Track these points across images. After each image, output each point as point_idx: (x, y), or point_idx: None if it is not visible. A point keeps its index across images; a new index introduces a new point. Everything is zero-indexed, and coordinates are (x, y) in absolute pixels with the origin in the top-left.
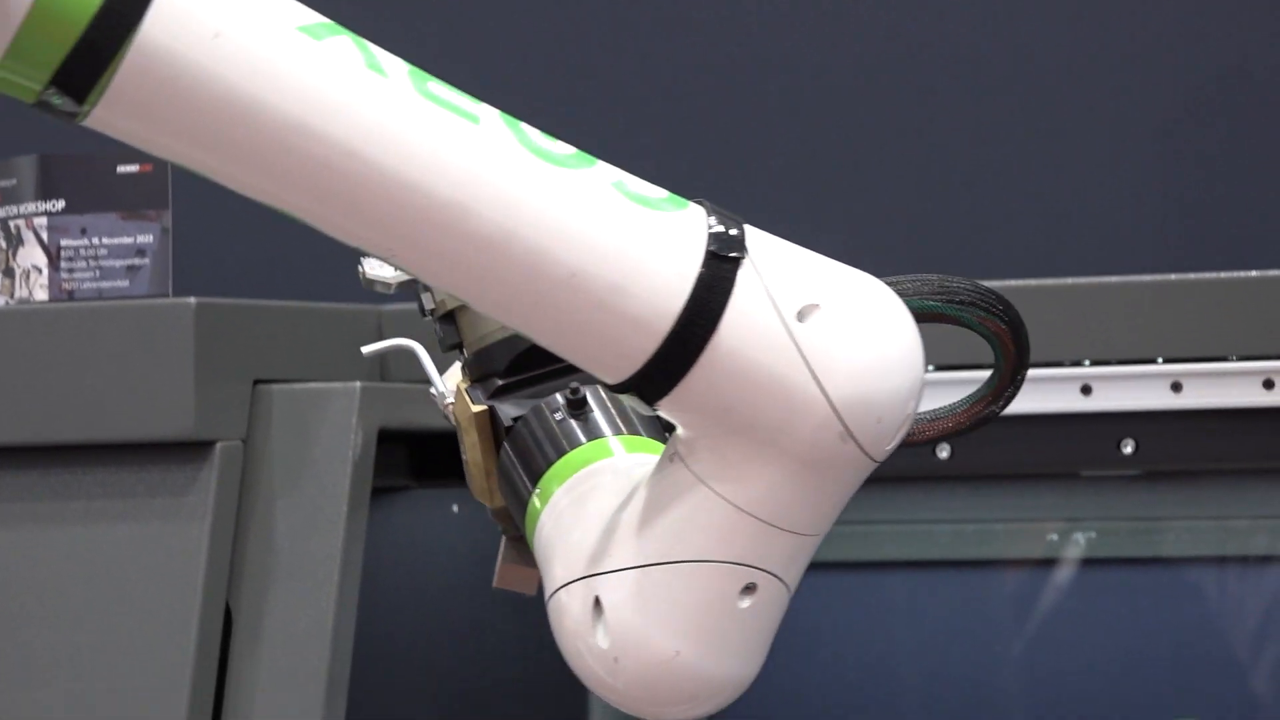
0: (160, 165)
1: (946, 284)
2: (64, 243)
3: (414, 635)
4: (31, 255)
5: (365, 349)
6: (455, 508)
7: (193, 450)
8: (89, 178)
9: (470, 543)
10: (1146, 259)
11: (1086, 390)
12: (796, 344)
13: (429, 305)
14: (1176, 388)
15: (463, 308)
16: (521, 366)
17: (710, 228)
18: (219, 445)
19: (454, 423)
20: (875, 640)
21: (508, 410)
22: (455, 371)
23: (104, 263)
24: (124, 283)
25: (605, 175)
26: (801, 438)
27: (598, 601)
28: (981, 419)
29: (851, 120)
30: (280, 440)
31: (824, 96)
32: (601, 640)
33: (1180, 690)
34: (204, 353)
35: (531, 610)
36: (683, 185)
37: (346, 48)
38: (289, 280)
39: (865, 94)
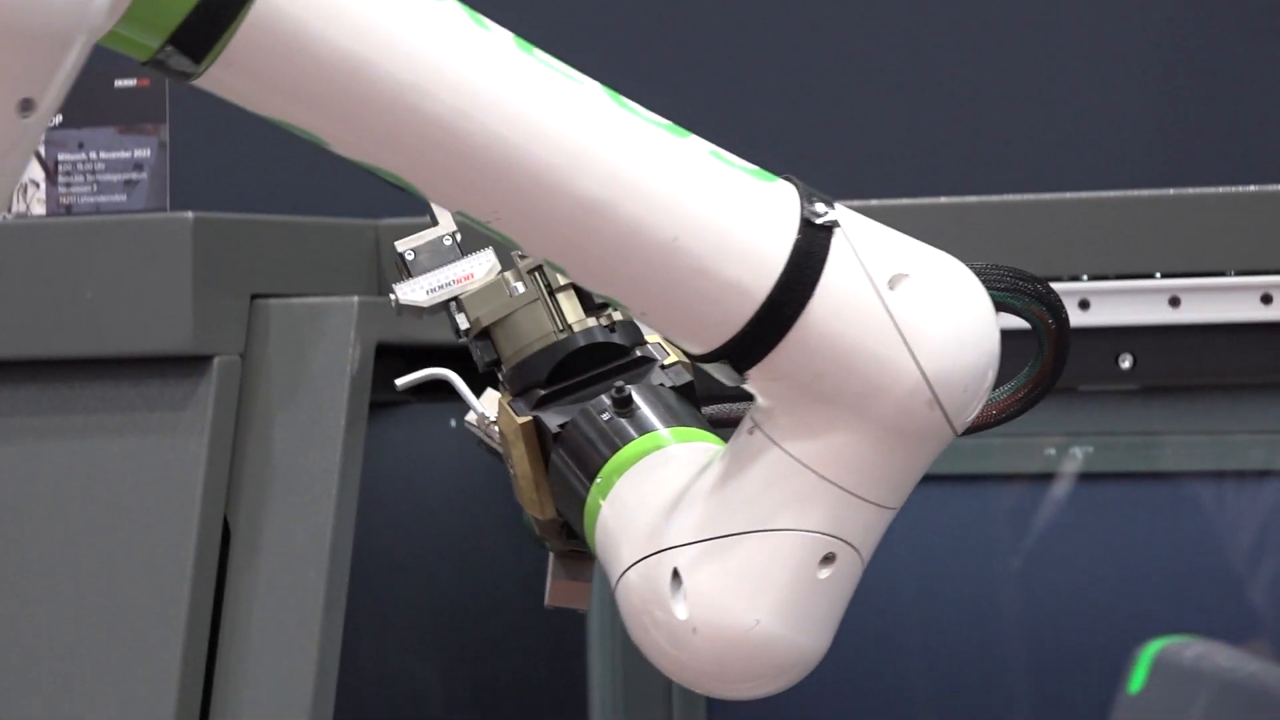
0: (157, 80)
1: (986, 270)
2: (61, 157)
3: (411, 549)
4: (29, 170)
5: (400, 381)
6: (453, 422)
7: (191, 365)
8: (86, 92)
9: (467, 457)
10: (1145, 173)
11: (1085, 305)
12: (889, 311)
13: (464, 325)
14: (1175, 302)
15: (498, 324)
16: (563, 375)
17: (802, 199)
18: (217, 360)
19: (495, 443)
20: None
21: (554, 418)
22: (490, 397)
23: (101, 177)
24: (121, 197)
25: (701, 144)
26: (891, 404)
27: (675, 574)
28: (1029, 402)
29: (847, 32)
30: (278, 355)
31: (819, 7)
32: (679, 611)
33: (1177, 604)
34: (202, 267)
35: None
36: (679, 100)
37: (454, 11)
38: (287, 195)
39: (861, 5)
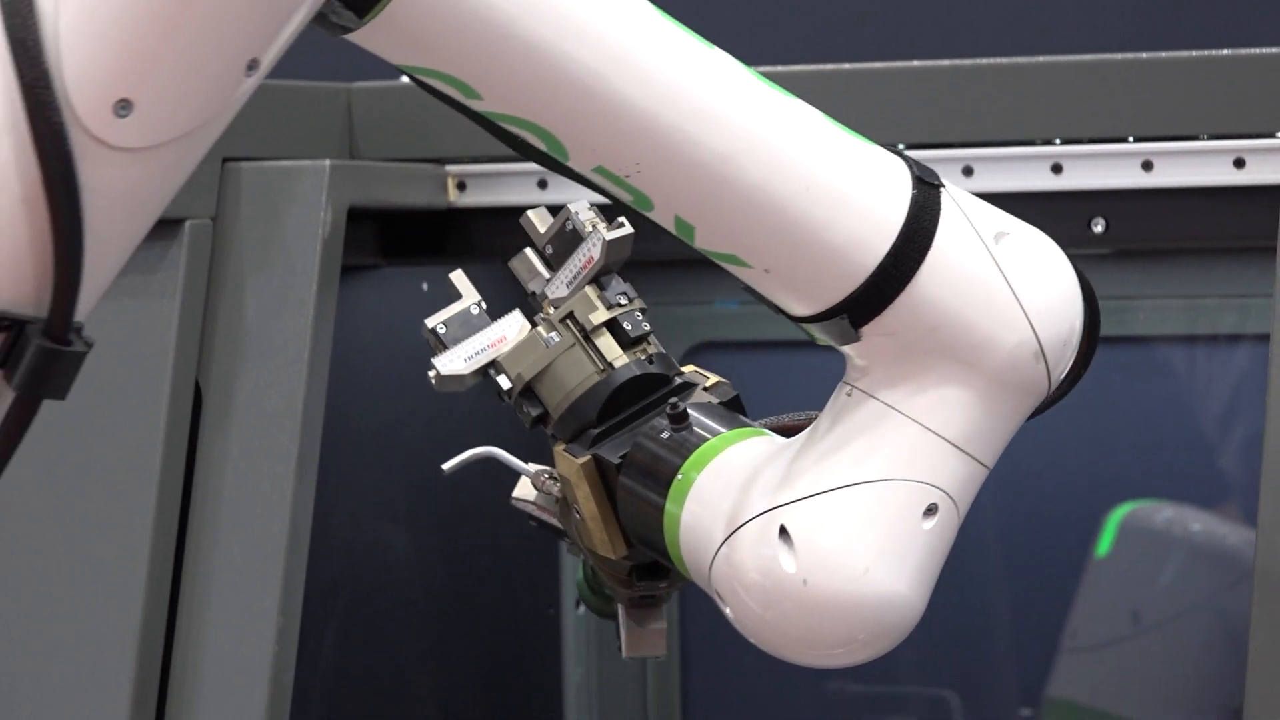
0: None
1: None
2: None
3: (384, 413)
4: None
5: (446, 465)
6: (425, 286)
7: (161, 228)
8: None
9: None
10: (1118, 36)
11: (1057, 169)
12: (998, 265)
13: (506, 385)
14: (1147, 166)
15: (540, 376)
16: (611, 413)
17: (908, 162)
18: (188, 223)
19: (548, 514)
20: None
21: (612, 451)
22: (526, 482)
23: None
24: None
25: (814, 110)
26: (1002, 356)
27: (783, 531)
28: (1065, 391)
29: None
30: (249, 218)
31: None
32: (788, 565)
33: (1149, 468)
34: None
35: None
36: None
37: None
38: None
39: None
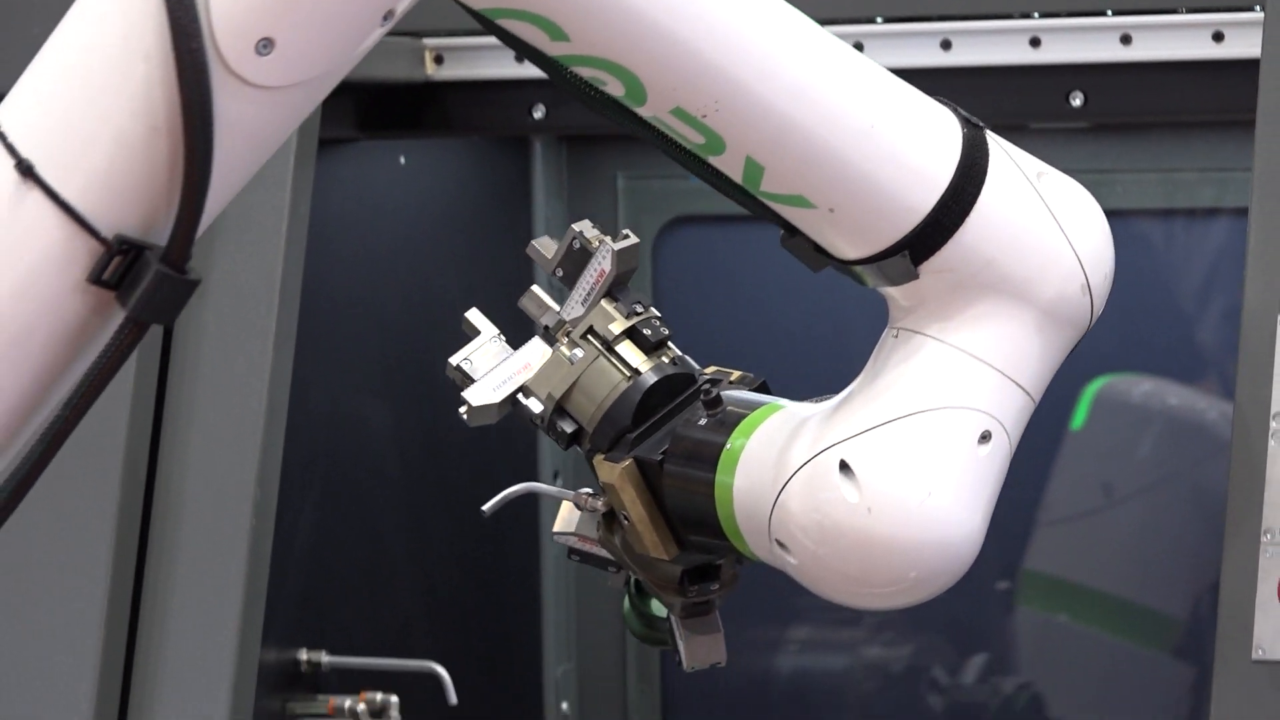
0: None
1: None
2: None
3: (361, 287)
4: None
5: (486, 507)
6: (402, 159)
7: None
8: None
9: (417, 194)
10: None
11: (1035, 43)
12: (1043, 199)
13: (537, 409)
14: (1126, 40)
15: (569, 393)
16: (644, 416)
17: (949, 103)
18: None
19: (591, 543)
20: (829, 301)
21: (652, 450)
22: (565, 511)
23: None
24: None
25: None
26: (1052, 288)
27: (843, 465)
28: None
29: None
30: None
31: None
32: (851, 496)
33: (1125, 342)
34: None
35: (480, 262)
36: None
37: None
38: None
39: None
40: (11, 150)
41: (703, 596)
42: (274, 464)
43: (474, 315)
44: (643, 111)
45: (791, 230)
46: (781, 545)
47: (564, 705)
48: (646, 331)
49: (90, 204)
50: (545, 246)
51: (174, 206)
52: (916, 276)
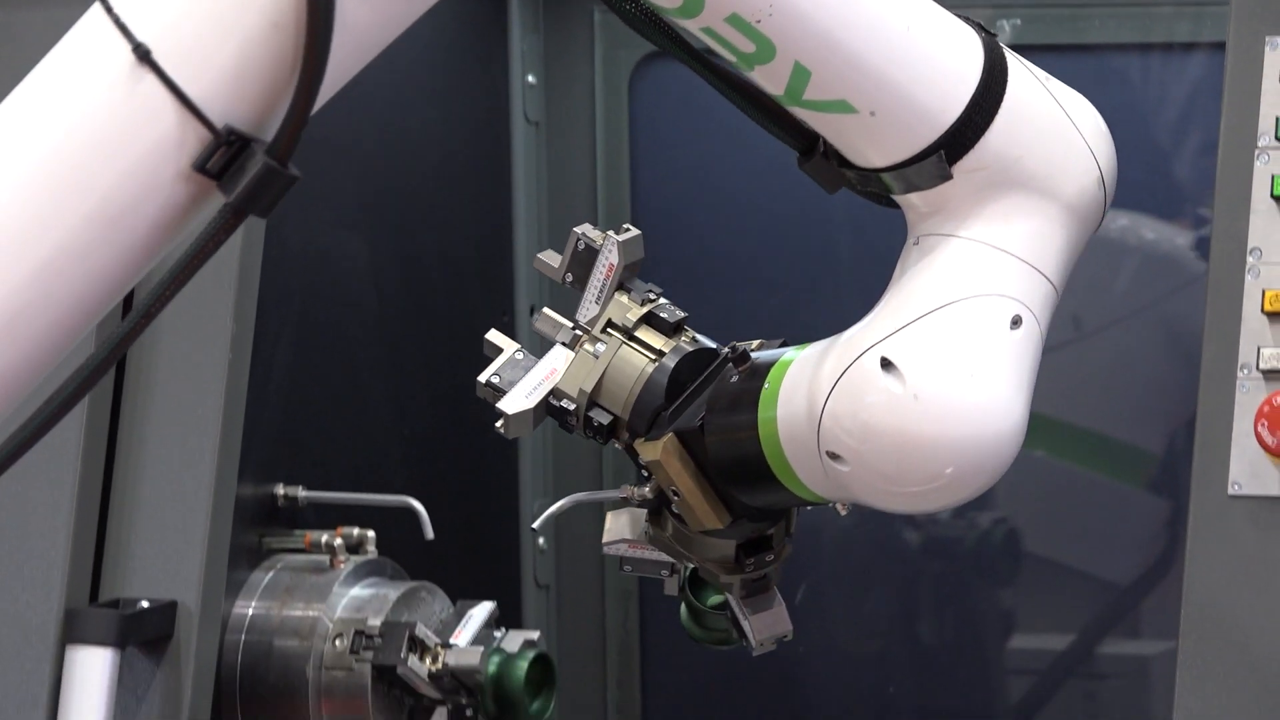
0: None
1: None
2: None
3: (338, 121)
4: None
5: (535, 524)
6: None
7: None
8: None
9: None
10: None
11: None
12: (1056, 100)
13: (571, 406)
14: None
15: (600, 385)
16: (677, 392)
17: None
18: None
19: (641, 546)
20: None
21: (688, 419)
22: (610, 522)
23: None
24: None
25: None
26: (1073, 182)
27: (885, 362)
28: None
29: None
30: None
31: None
32: (895, 387)
33: None
34: None
35: (456, 97)
36: None
37: None
38: None
39: None
40: (128, 35)
41: (759, 570)
42: (250, 300)
43: (494, 335)
44: (695, 22)
45: (808, 152)
46: (833, 456)
47: (540, 541)
48: (664, 315)
49: (204, 94)
50: (550, 258)
51: (283, 103)
52: (950, 177)
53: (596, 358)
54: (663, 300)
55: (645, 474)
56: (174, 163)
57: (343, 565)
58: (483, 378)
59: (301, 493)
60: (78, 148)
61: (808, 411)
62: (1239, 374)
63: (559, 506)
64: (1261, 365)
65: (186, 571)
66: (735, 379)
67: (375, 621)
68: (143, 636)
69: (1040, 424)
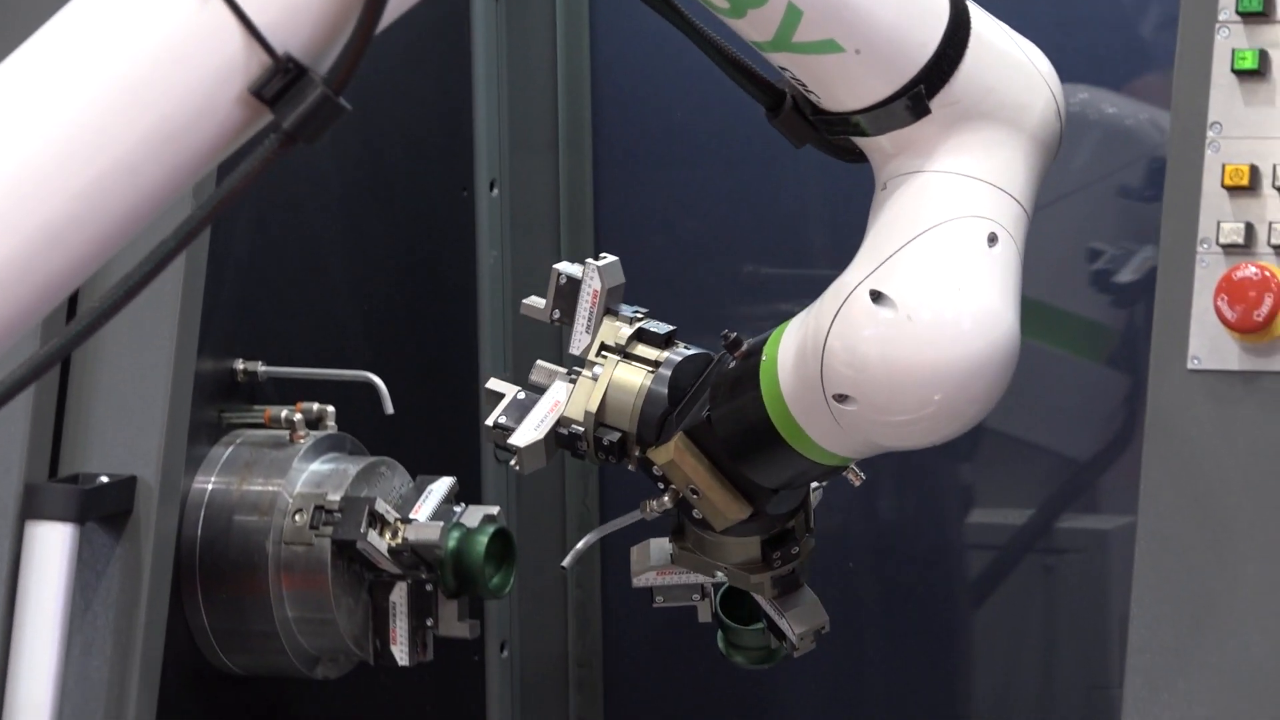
0: None
1: None
2: None
3: None
4: None
5: (565, 562)
6: None
7: None
8: None
9: None
10: None
11: None
12: (1010, 37)
13: (579, 430)
14: None
15: (604, 405)
16: (678, 397)
17: None
18: None
19: (663, 556)
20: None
21: (694, 416)
22: (636, 555)
23: None
24: None
25: None
26: (1036, 112)
27: (874, 294)
28: None
29: None
30: None
31: None
32: (888, 314)
33: (1063, 49)
34: None
35: None
36: None
37: None
38: None
39: None
40: None
41: (786, 564)
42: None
43: (494, 384)
44: None
45: (775, 108)
46: (840, 399)
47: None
48: (653, 329)
49: (268, 21)
50: (534, 301)
51: (342, 34)
52: (928, 112)
53: (595, 380)
54: (648, 318)
55: (660, 486)
56: (233, 86)
57: (302, 440)
58: (489, 421)
59: (261, 368)
60: (142, 67)
61: (808, 362)
62: (1199, 249)
63: (585, 543)
64: (1221, 240)
65: (146, 446)
66: (732, 364)
67: (335, 496)
68: (102, 511)
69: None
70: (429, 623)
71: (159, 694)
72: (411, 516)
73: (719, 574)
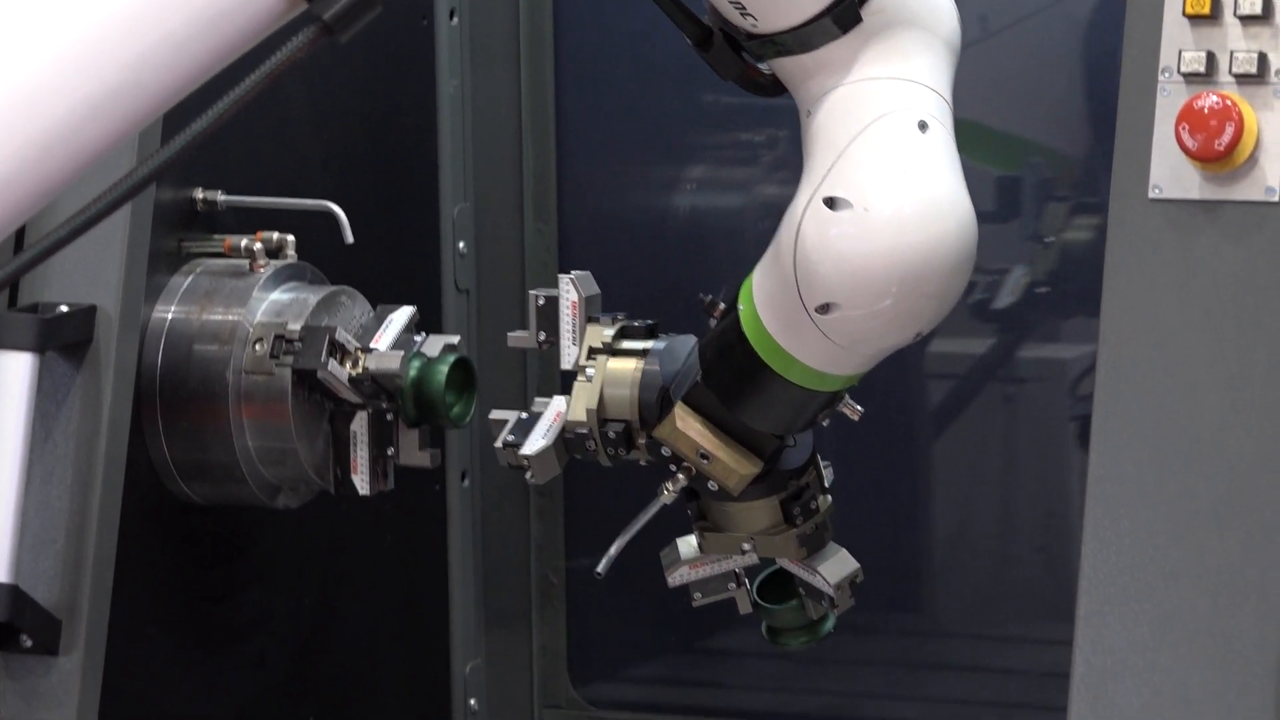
0: None
1: None
2: None
3: None
4: None
5: (600, 568)
6: None
7: None
8: None
9: None
10: None
11: None
12: None
13: (584, 430)
14: None
15: (602, 404)
16: (672, 374)
17: None
18: None
19: (691, 550)
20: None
21: (688, 379)
22: (665, 558)
23: None
24: None
25: None
26: (946, 19)
27: (827, 201)
28: None
29: None
30: None
31: None
32: (845, 211)
33: None
34: None
35: None
36: None
37: None
38: None
39: None
40: None
41: (808, 519)
42: None
43: (496, 413)
44: None
45: (704, 44)
46: (822, 309)
47: (460, 245)
48: (636, 323)
49: None
50: (518, 334)
51: None
52: (859, 20)
53: (590, 381)
54: (628, 319)
55: (672, 469)
56: None
57: (262, 270)
58: (498, 443)
59: (221, 197)
60: None
61: (785, 287)
62: (1160, 77)
63: (617, 547)
64: (1183, 68)
65: (106, 276)
66: (712, 324)
67: (295, 326)
68: (62, 341)
69: (956, 126)
70: (390, 452)
71: (119, 523)
72: (372, 346)
73: (746, 549)
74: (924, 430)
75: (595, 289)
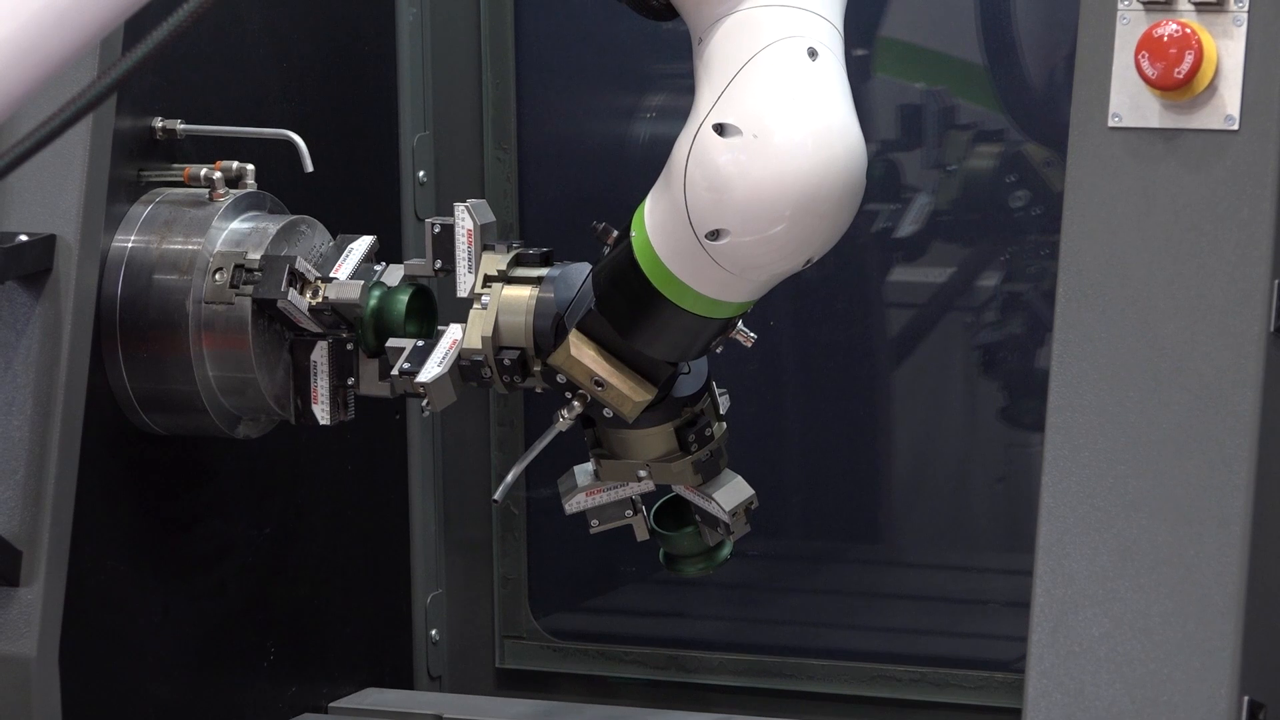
0: None
1: None
2: None
3: None
4: None
5: (496, 495)
6: None
7: None
8: None
9: None
10: None
11: None
12: None
13: (480, 358)
14: None
15: (497, 330)
16: (566, 302)
17: None
18: None
19: (588, 477)
20: None
21: (581, 310)
22: (563, 485)
23: None
24: None
25: None
26: None
27: (718, 128)
28: None
29: None
30: None
31: None
32: (734, 139)
33: None
34: None
35: None
36: None
37: None
38: None
39: None
40: None
41: (703, 446)
42: None
43: (392, 342)
44: None
45: None
46: (713, 236)
47: (420, 174)
48: (531, 251)
49: None
50: (414, 263)
51: None
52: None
53: (485, 309)
54: (523, 247)
55: (568, 396)
56: None
57: (222, 199)
58: (394, 371)
59: (180, 126)
60: None
61: (676, 215)
62: (1119, 5)
63: (513, 475)
64: None
65: (65, 205)
66: (605, 252)
67: (255, 255)
68: (21, 270)
69: (915, 54)
70: (350, 381)
71: (80, 453)
72: (332, 275)
73: (642, 476)
74: (884, 358)
75: (490, 216)
